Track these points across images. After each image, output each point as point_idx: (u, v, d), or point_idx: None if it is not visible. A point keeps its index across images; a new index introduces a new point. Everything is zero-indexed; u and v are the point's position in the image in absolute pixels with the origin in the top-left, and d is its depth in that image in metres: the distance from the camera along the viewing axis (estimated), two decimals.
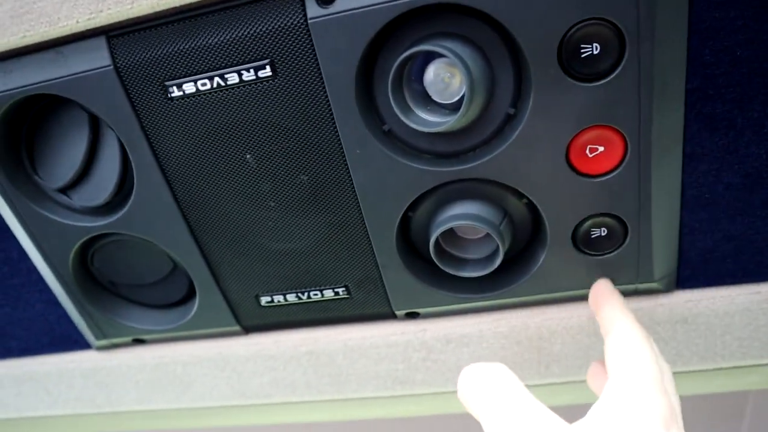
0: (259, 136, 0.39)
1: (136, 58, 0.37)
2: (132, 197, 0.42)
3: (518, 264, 0.43)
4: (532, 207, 0.40)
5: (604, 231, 0.40)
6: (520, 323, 0.45)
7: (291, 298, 0.45)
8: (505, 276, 0.43)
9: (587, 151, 0.37)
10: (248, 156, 0.40)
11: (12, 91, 0.39)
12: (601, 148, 0.36)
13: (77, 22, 0.36)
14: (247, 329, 0.49)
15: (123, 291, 0.50)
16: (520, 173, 0.37)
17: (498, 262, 0.40)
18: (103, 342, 0.52)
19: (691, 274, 0.42)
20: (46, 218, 0.44)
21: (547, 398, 0.49)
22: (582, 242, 0.40)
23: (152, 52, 0.37)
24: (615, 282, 0.41)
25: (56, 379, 0.55)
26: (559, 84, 0.34)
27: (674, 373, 0.39)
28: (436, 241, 0.40)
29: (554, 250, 0.40)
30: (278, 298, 0.45)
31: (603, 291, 0.40)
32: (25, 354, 0.55)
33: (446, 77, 0.37)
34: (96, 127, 0.41)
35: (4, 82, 0.39)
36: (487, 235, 0.41)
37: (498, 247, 0.39)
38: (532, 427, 0.29)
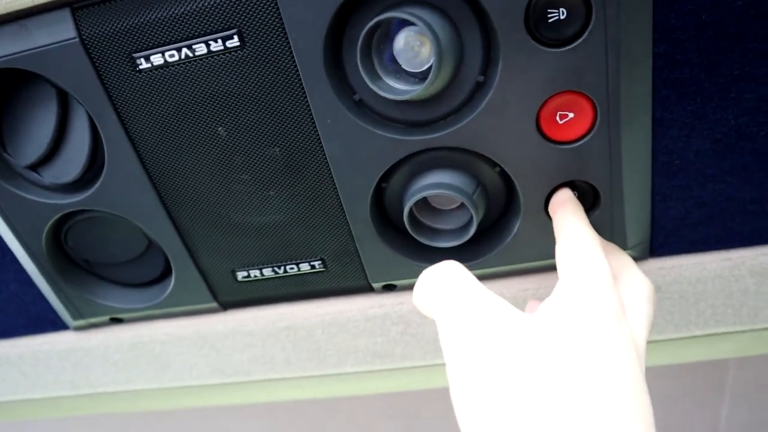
0: (230, 109, 0.38)
1: (102, 30, 0.37)
2: (103, 173, 0.41)
3: (493, 234, 0.43)
4: (504, 175, 0.40)
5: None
6: (497, 293, 0.45)
7: (267, 272, 0.45)
8: (481, 246, 0.43)
9: (557, 118, 0.37)
10: (220, 129, 0.39)
11: None
12: (571, 115, 0.36)
13: None
14: (225, 306, 0.49)
15: (98, 270, 0.49)
16: (491, 141, 0.37)
17: (472, 231, 0.40)
18: (80, 322, 0.51)
19: (664, 241, 0.42)
20: (16, 196, 0.43)
21: None
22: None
23: (118, 24, 0.36)
24: None
25: (32, 361, 0.54)
26: (527, 50, 0.34)
27: (649, 343, 0.39)
28: (410, 212, 0.40)
29: (528, 218, 0.41)
30: (254, 273, 0.45)
31: (561, 199, 0.39)
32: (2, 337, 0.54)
33: (416, 46, 0.36)
34: (64, 102, 0.41)
35: None
36: (462, 205, 0.41)
37: (472, 216, 0.39)
38: (486, 316, 0.30)
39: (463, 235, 0.41)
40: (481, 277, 0.44)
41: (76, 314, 0.51)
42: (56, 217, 0.44)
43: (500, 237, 0.42)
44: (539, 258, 0.43)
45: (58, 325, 0.52)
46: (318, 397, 0.54)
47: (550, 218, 0.40)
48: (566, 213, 0.37)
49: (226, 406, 0.54)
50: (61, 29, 0.37)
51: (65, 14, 0.37)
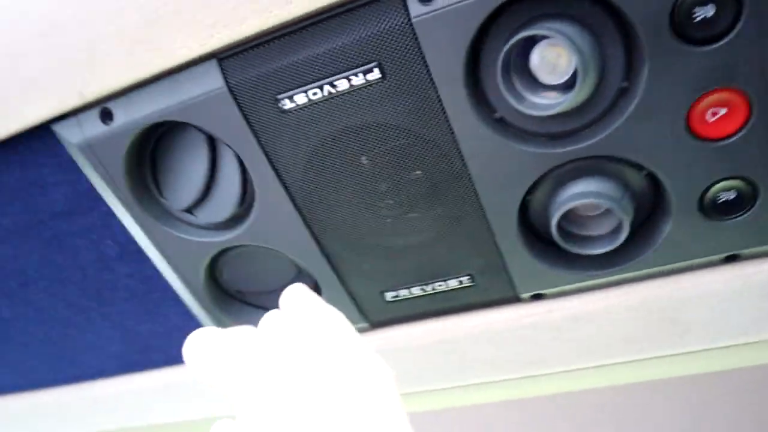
0: (372, 138, 0.39)
1: (247, 76, 0.38)
2: (254, 210, 0.43)
3: (643, 236, 0.41)
4: (653, 178, 0.38)
5: (732, 194, 0.38)
6: (650, 295, 0.43)
7: (416, 291, 0.46)
8: (631, 249, 0.42)
9: (708, 116, 0.35)
10: (363, 159, 0.40)
11: (135, 122, 0.41)
12: (723, 111, 0.35)
13: (190, 50, 0.37)
14: (374, 325, 0.50)
15: (251, 298, 0.52)
16: (638, 146, 0.36)
17: (623, 237, 0.39)
18: None
19: None
20: (174, 237, 0.46)
21: (686, 367, 0.48)
22: (709, 208, 0.38)
23: (262, 69, 0.38)
24: (746, 246, 0.39)
25: (198, 383, 0.58)
26: (673, 51, 0.32)
27: None
28: (558, 222, 0.39)
29: (680, 218, 0.39)
30: (403, 293, 0.46)
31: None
32: (167, 364, 0.58)
33: (552, 58, 0.36)
34: (214, 146, 0.43)
35: (128, 114, 0.41)
36: (607, 210, 0.40)
37: (622, 221, 0.38)
38: None
39: (613, 241, 0.40)
40: (634, 280, 0.43)
41: None
42: (213, 253, 0.47)
43: (651, 239, 0.41)
44: (692, 257, 0.41)
45: None
46: (467, 404, 0.55)
47: (704, 217, 0.39)
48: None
49: None
50: (210, 80, 0.39)
51: (212, 65, 0.38)
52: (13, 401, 0.67)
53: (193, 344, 0.34)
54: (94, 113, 0.42)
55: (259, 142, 0.40)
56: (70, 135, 0.43)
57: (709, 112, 0.35)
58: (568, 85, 0.35)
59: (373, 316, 0.49)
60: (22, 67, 0.40)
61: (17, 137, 0.45)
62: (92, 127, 0.43)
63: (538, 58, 0.36)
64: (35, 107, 0.42)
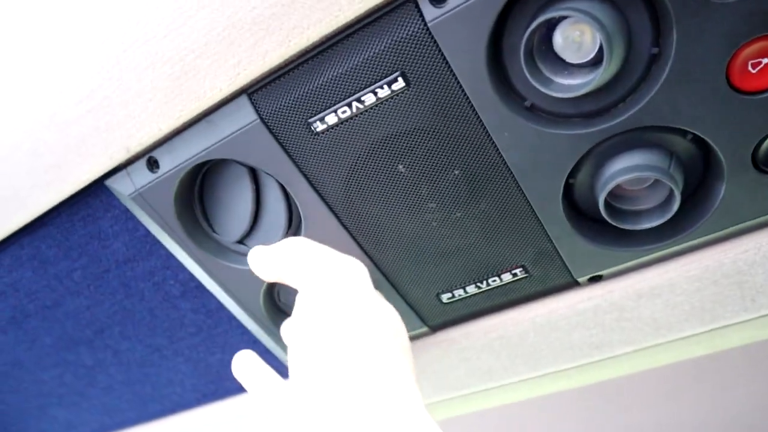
0: (406, 146, 0.39)
1: (278, 106, 0.39)
2: (302, 232, 0.44)
3: (697, 202, 0.40)
4: (699, 141, 0.37)
5: None
6: (713, 262, 0.42)
7: (471, 289, 0.46)
8: (686, 218, 0.41)
9: (749, 67, 0.34)
10: (400, 167, 0.41)
11: (180, 167, 0.43)
12: (766, 60, 0.33)
13: (220, 90, 0.39)
14: (434, 328, 0.50)
15: None
16: (679, 111, 0.35)
17: (676, 206, 0.38)
18: None
19: None
20: (231, 269, 0.48)
21: (763, 332, 0.46)
22: (764, 163, 0.37)
23: (290, 96, 0.39)
24: None
25: None
26: (703, 8, 0.31)
27: None
28: (605, 201, 0.38)
29: (734, 179, 0.38)
30: (458, 293, 0.46)
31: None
32: (241, 392, 0.60)
33: (576, 36, 0.35)
34: (256, 177, 0.44)
35: (173, 159, 0.43)
36: (655, 182, 0.39)
37: (672, 191, 0.37)
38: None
39: (666, 213, 0.39)
40: (693, 249, 0.42)
41: None
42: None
43: (706, 203, 0.40)
44: (753, 216, 0.40)
45: (285, 375, 0.57)
46: (535, 396, 0.54)
47: (759, 173, 0.37)
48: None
49: (443, 419, 0.55)
50: (243, 115, 0.40)
51: (243, 101, 0.40)
52: None
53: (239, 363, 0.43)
54: (141, 164, 0.44)
55: (297, 167, 0.41)
56: (122, 187, 0.46)
57: (750, 63, 0.33)
58: (596, 62, 0.34)
59: (431, 320, 0.49)
60: (71, 132, 0.43)
61: (75, 196, 0.48)
62: (141, 176, 0.45)
63: (561, 39, 0.35)
64: (88, 167, 0.44)
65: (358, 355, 0.34)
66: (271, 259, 0.40)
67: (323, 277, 0.38)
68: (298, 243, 0.40)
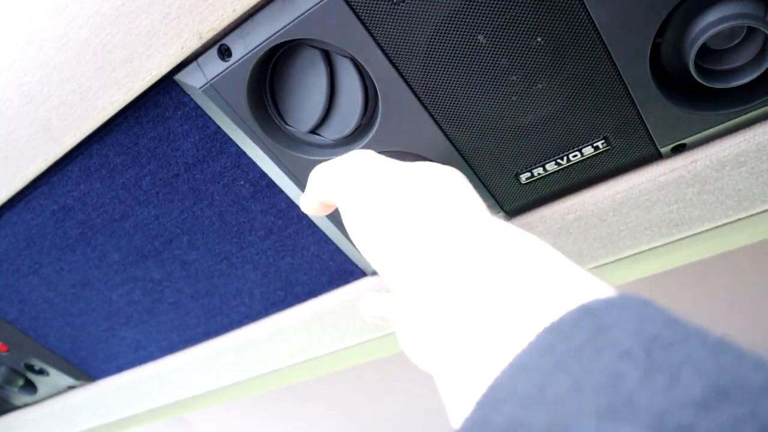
0: (486, 13, 0.39)
1: None
2: (379, 115, 0.44)
3: None
4: None
5: None
6: None
7: (550, 166, 0.45)
8: None
9: None
10: (480, 37, 0.40)
11: (253, 51, 0.43)
12: None
13: None
14: (511, 213, 0.50)
15: None
16: None
17: None
18: None
19: None
20: (305, 160, 0.48)
21: None
22: None
23: None
24: None
25: (341, 313, 0.60)
26: None
27: None
28: (695, 60, 0.37)
29: None
30: (538, 171, 0.46)
31: None
32: (310, 297, 0.61)
33: None
34: (330, 61, 0.44)
35: (246, 45, 0.43)
36: (746, 36, 0.38)
37: (767, 40, 0.36)
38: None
39: (760, 65, 0.38)
40: None
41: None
42: None
43: None
44: None
45: (356, 274, 0.57)
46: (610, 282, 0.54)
47: None
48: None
49: None
50: None
51: None
52: (172, 360, 0.72)
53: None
54: (213, 53, 0.44)
55: (376, 42, 0.41)
56: (194, 80, 0.45)
57: None
58: None
59: (509, 203, 0.49)
60: (141, 23, 0.42)
61: (144, 95, 0.48)
62: (213, 67, 0.44)
63: None
64: (159, 59, 0.44)
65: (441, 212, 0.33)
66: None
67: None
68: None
